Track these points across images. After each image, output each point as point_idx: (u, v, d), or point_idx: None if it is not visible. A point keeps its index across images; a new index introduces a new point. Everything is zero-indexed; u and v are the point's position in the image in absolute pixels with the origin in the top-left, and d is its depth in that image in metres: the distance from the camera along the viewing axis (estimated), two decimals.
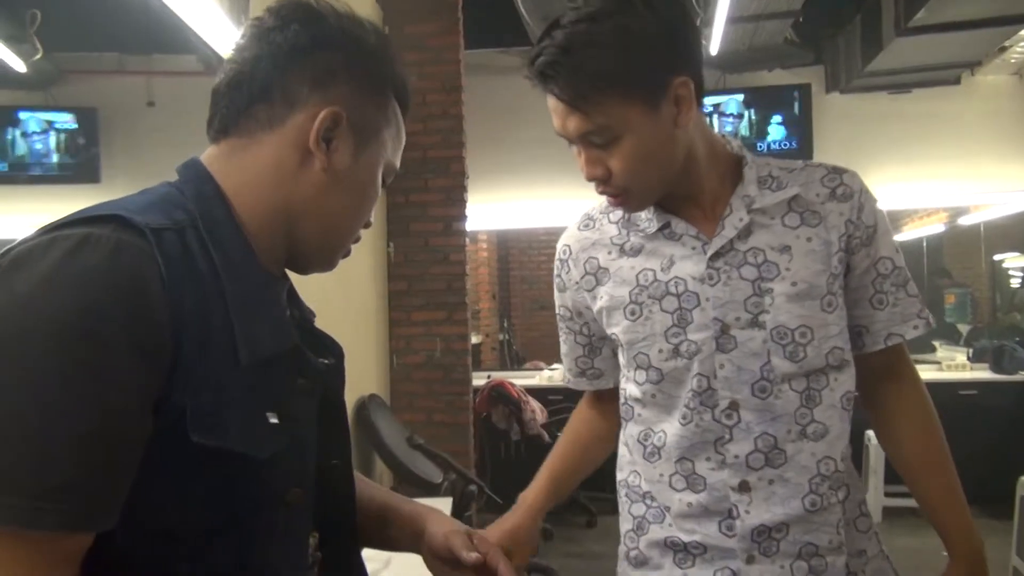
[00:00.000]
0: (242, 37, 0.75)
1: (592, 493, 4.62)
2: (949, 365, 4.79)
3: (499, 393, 4.49)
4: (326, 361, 0.81)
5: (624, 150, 0.96)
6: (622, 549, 1.11)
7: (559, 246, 1.15)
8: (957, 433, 4.02)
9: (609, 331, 1.08)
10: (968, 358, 4.91)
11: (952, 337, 6.22)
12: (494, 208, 5.19)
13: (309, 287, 0.90)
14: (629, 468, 1.10)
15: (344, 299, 3.07)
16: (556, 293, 1.17)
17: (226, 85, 0.74)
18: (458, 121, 3.72)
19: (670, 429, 1.03)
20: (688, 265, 1.02)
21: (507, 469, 4.49)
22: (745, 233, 1.02)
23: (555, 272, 1.16)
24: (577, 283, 1.11)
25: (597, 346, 1.15)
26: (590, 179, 1.00)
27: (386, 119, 0.78)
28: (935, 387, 4.36)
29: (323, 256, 0.80)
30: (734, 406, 0.99)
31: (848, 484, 1.05)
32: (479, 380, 4.45)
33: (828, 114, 5.08)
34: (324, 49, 0.74)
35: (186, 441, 0.63)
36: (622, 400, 1.11)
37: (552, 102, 0.98)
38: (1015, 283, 6.81)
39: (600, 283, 1.08)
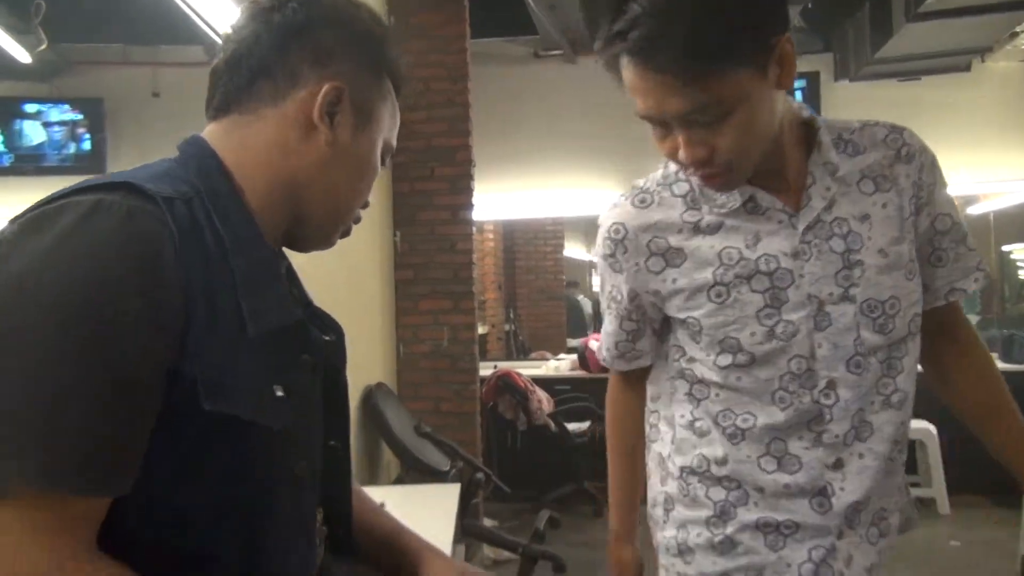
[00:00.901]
0: (240, 19, 0.77)
1: (599, 483, 4.63)
2: None
3: (505, 383, 4.49)
4: (327, 337, 0.81)
5: (734, 124, 0.85)
6: (703, 537, 1.01)
7: (608, 225, 1.04)
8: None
9: (683, 315, 0.99)
10: None
11: None
12: (500, 197, 5.17)
13: (316, 276, 0.91)
14: (695, 452, 1.02)
15: (351, 288, 3.07)
16: (608, 273, 1.06)
17: (225, 64, 0.75)
18: (464, 109, 3.71)
19: (761, 412, 0.97)
20: (777, 241, 0.95)
21: (513, 459, 4.50)
22: (830, 205, 0.96)
23: (605, 252, 1.04)
24: (638, 265, 1.02)
25: (643, 329, 1.07)
26: (691, 163, 0.90)
27: (382, 97, 0.80)
28: None
29: (323, 233, 0.80)
30: (831, 385, 0.95)
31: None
32: (485, 370, 4.45)
33: (837, 102, 5.03)
34: (321, 27, 0.75)
35: (197, 412, 0.63)
36: (690, 380, 1.03)
37: (643, 82, 0.85)
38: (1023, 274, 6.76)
39: (671, 265, 0.99)
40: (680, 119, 0.87)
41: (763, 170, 0.94)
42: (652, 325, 1.07)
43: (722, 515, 1.00)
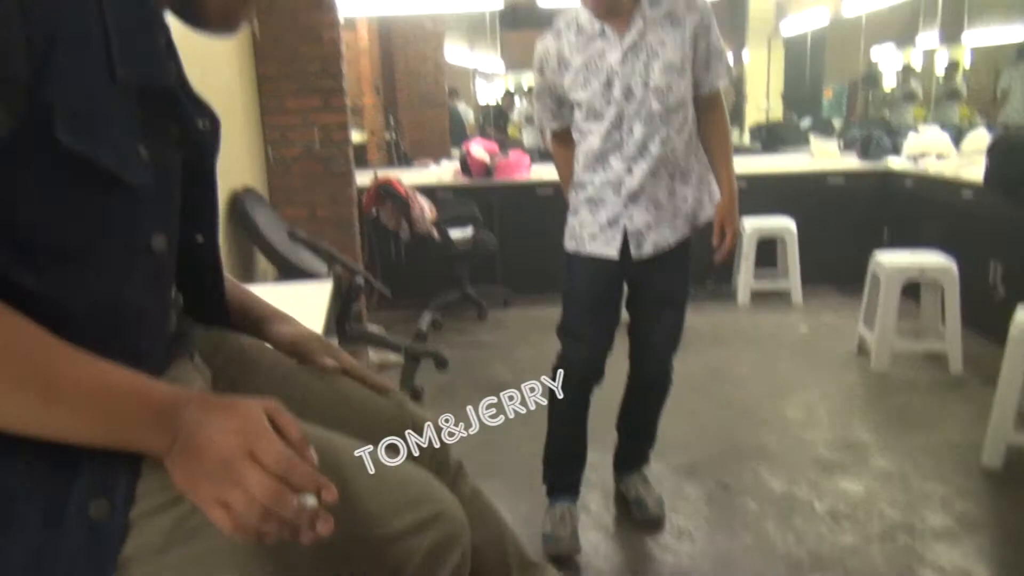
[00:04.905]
0: None
1: (484, 287, 4.73)
2: (821, 155, 4.98)
3: (386, 191, 4.35)
4: (201, 124, 0.80)
5: None
6: (571, 208, 2.05)
7: (540, 48, 1.97)
8: (823, 217, 4.27)
9: (572, 96, 1.94)
10: (839, 148, 5.12)
11: (827, 131, 6.46)
12: None
13: None
14: (577, 172, 2.02)
15: (203, 83, 2.78)
16: (536, 76, 2.02)
17: None
18: None
19: (596, 142, 1.94)
20: (612, 54, 1.88)
21: (397, 268, 4.49)
22: (641, 35, 1.87)
23: (538, 65, 1.98)
24: (554, 69, 1.95)
25: (563, 102, 2.01)
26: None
27: None
28: (806, 176, 4.56)
29: (225, 7, 0.78)
30: (631, 130, 1.91)
31: (682, 168, 1.96)
32: (365, 179, 4.30)
33: None
34: None
35: (53, 142, 0.60)
36: (578, 134, 2.00)
37: None
38: (888, 81, 7.04)
39: (566, 69, 1.93)
40: None
41: (610, 15, 1.86)
42: (565, 102, 2.00)
43: (575, 196, 2.04)
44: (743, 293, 4.56)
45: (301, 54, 3.38)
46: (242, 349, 1.03)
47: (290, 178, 3.53)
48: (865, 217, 4.62)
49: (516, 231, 4.72)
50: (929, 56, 6.05)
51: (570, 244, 2.04)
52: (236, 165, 3.17)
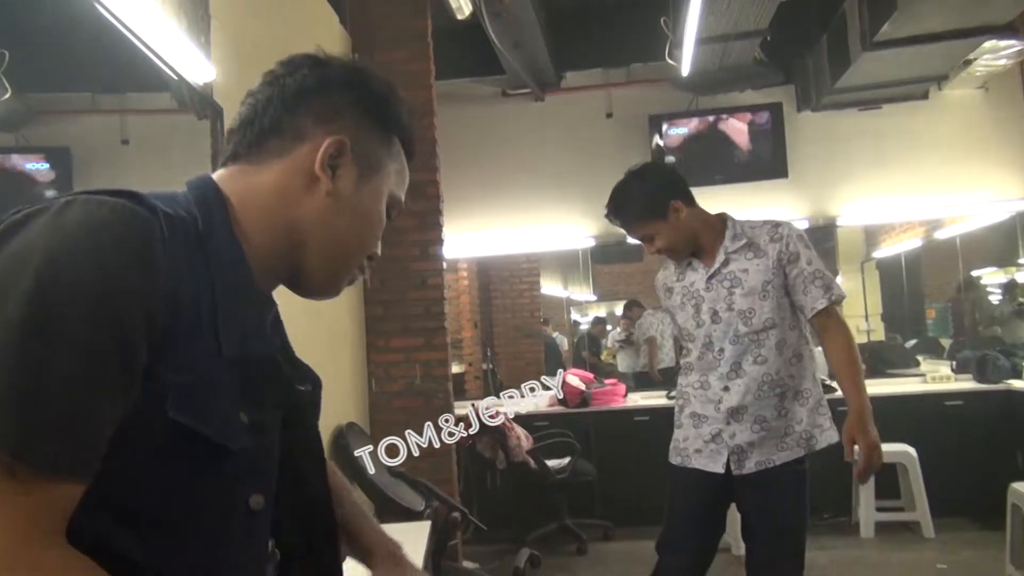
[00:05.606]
0: (258, 85, 0.84)
1: (582, 520, 4.55)
2: (934, 377, 4.77)
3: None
4: (301, 387, 0.85)
5: (658, 239, 2.15)
6: (676, 421, 2.19)
7: (656, 278, 2.32)
8: (945, 443, 3.99)
9: (675, 317, 2.23)
10: (952, 370, 4.91)
11: (935, 351, 6.22)
12: (472, 234, 5.18)
13: (281, 314, 0.91)
14: (680, 383, 2.21)
15: (317, 325, 3.03)
16: (661, 302, 2.33)
17: (239, 123, 0.82)
18: (431, 145, 3.72)
19: (693, 360, 2.14)
20: (698, 282, 2.15)
21: (493, 498, 4.42)
22: (724, 265, 2.12)
23: (657, 291, 2.32)
24: (664, 295, 2.27)
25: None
26: (650, 253, 2.21)
27: (390, 154, 0.85)
28: (921, 399, 4.34)
29: (327, 280, 0.84)
30: (721, 350, 2.09)
31: (793, 388, 2.07)
32: (462, 409, 4.39)
33: (800, 131, 5.13)
34: (331, 90, 0.81)
35: (162, 418, 0.64)
36: (684, 349, 2.23)
37: (622, 229, 2.22)
38: (994, 299, 6.84)
39: (670, 294, 2.24)
40: (639, 240, 2.20)
41: (696, 249, 2.16)
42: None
43: (680, 411, 2.19)
44: (866, 525, 4.19)
45: (407, 298, 3.66)
46: None
47: (391, 412, 3.66)
48: (992, 442, 4.29)
49: (614, 459, 4.61)
50: None
51: (675, 459, 2.14)
52: (341, 401, 3.33)
